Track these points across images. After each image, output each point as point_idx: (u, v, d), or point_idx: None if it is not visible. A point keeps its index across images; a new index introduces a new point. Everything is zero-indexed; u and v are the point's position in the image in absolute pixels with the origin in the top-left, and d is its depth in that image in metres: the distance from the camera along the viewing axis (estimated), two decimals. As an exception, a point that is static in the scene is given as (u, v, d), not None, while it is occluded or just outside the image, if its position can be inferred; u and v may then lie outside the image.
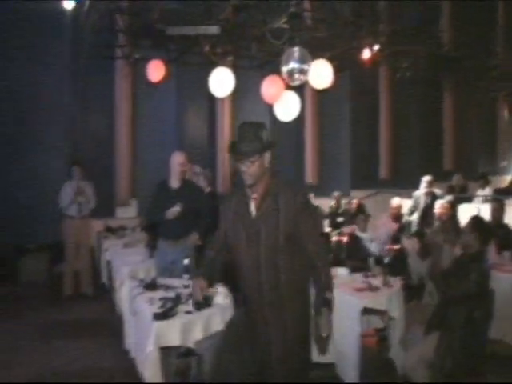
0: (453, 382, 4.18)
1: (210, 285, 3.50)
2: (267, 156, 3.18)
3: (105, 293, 7.88)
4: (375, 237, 7.81)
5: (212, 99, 10.89)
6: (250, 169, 3.12)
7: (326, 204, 11.34)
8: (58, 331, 6.77)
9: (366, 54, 9.45)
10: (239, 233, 3.26)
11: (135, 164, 11.45)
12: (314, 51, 8.09)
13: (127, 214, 11.00)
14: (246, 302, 3.35)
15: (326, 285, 3.16)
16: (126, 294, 5.54)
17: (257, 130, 3.15)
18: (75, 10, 8.72)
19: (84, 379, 5.13)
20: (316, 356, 5.05)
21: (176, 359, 4.32)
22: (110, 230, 9.50)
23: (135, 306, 4.75)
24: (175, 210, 5.51)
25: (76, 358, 5.73)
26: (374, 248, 6.56)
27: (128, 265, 6.38)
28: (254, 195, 3.21)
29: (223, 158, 12.44)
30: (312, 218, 3.28)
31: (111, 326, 6.51)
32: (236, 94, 9.53)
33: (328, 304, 3.09)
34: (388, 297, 4.95)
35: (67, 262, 8.47)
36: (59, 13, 9.17)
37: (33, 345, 6.18)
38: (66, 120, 10.59)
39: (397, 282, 5.29)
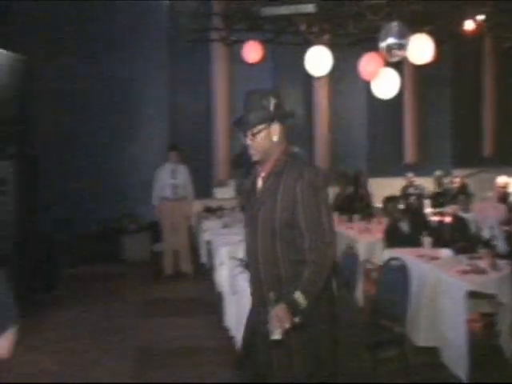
0: None
1: None
2: (276, 128, 2.74)
3: (204, 272, 8.04)
4: (484, 222, 7.40)
5: (309, 78, 10.79)
6: (254, 142, 2.71)
7: (426, 184, 11.06)
8: (159, 309, 7.01)
9: (469, 25, 8.99)
10: (246, 212, 2.90)
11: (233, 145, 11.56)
12: (413, 25, 7.80)
13: (225, 194, 11.16)
14: (252, 303, 2.84)
15: (304, 285, 2.50)
16: (226, 273, 5.63)
17: (261, 98, 2.73)
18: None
19: (184, 356, 5.23)
20: (418, 338, 4.93)
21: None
22: (209, 211, 9.67)
23: (236, 286, 4.81)
24: None
25: (177, 335, 5.87)
26: (486, 234, 6.22)
27: (227, 245, 6.44)
28: (263, 173, 2.77)
29: (321, 137, 12.36)
30: (316, 204, 2.61)
31: (211, 305, 6.64)
32: (333, 73, 9.34)
33: (291, 305, 2.45)
34: (496, 281, 4.71)
35: (165, 242, 8.73)
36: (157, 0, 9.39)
37: (135, 322, 6.39)
38: (165, 104, 10.88)
39: (507, 266, 5.03)
